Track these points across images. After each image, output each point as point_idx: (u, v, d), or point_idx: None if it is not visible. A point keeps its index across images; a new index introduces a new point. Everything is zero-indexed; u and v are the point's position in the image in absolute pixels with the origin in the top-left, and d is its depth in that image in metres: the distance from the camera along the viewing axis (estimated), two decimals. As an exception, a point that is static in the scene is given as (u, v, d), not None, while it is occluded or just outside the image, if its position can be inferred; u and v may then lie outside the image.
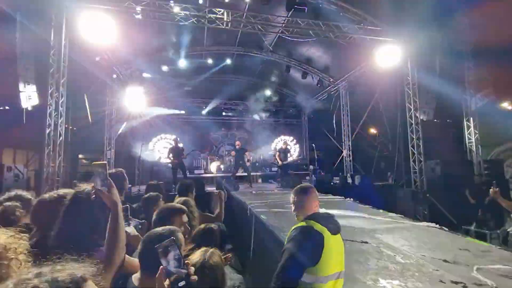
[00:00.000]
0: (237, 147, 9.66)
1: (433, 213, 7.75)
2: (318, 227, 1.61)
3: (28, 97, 5.40)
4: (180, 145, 9.21)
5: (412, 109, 8.45)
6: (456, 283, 1.79)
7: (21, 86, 5.29)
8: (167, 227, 1.44)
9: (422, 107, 8.53)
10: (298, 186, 1.90)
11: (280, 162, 9.36)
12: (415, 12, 7.56)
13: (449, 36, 8.55)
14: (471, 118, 8.71)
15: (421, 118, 8.49)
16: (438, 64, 8.47)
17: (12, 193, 1.77)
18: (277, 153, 9.57)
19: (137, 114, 12.04)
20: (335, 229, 1.67)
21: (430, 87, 8.50)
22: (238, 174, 11.03)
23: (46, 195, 1.52)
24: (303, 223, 1.68)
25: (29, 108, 5.53)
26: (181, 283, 0.90)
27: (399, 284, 1.80)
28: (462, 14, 8.07)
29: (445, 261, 2.14)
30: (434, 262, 2.14)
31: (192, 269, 0.98)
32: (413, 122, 8.42)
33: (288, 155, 9.83)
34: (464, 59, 8.70)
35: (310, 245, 1.56)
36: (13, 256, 0.87)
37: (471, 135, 8.67)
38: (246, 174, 9.73)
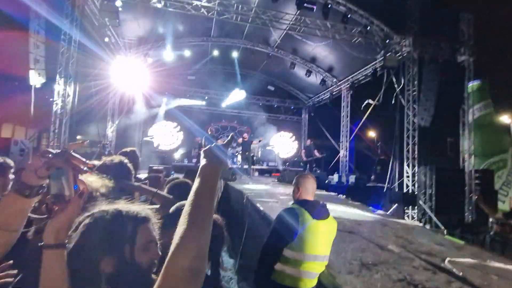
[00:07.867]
0: (244, 139, 9.50)
1: (422, 217, 8.00)
2: (299, 210, 1.80)
3: (37, 74, 5.51)
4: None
5: (411, 115, 8.63)
6: (428, 270, 1.99)
7: (31, 63, 5.41)
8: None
9: (420, 113, 8.70)
10: (300, 174, 2.11)
11: (305, 158, 10.07)
12: (421, 20, 7.70)
13: (453, 45, 8.72)
14: (467, 128, 8.91)
15: (419, 124, 8.67)
16: (440, 72, 8.63)
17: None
18: (303, 150, 10.25)
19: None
20: (320, 215, 1.81)
21: (430, 95, 8.67)
22: (236, 166, 11.18)
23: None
24: (289, 206, 1.89)
25: (37, 86, 5.65)
26: None
27: (377, 268, 1.99)
28: (466, 24, 8.22)
29: (421, 252, 2.34)
30: (411, 252, 2.35)
31: None
32: (410, 127, 8.61)
33: (313, 152, 10.09)
34: (465, 69, 8.88)
35: (286, 223, 1.77)
36: (99, 193, 1.12)
37: (466, 145, 8.88)
38: (246, 166, 9.86)
